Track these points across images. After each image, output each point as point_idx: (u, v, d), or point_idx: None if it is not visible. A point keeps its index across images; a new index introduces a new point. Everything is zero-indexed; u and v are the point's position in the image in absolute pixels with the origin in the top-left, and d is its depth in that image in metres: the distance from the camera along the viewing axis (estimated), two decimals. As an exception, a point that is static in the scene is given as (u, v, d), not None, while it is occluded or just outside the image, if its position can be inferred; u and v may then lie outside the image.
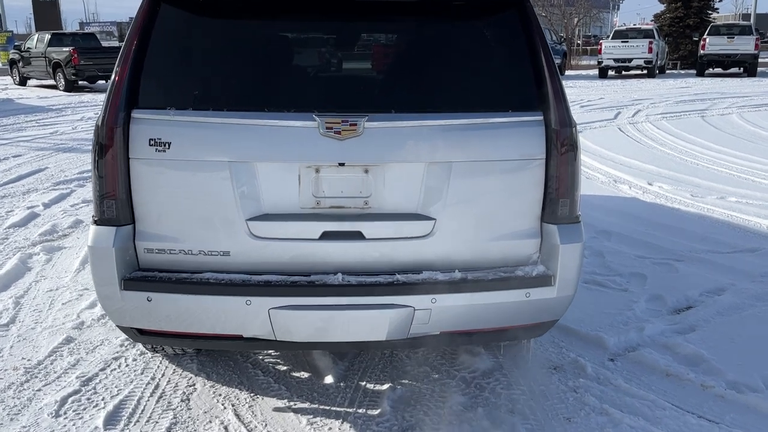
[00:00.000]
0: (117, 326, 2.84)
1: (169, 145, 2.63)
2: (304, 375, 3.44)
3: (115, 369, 3.51)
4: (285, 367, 3.51)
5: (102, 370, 3.50)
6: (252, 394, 3.26)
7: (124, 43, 2.72)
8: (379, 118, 2.65)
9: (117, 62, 2.68)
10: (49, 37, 22.50)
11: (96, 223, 2.69)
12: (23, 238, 5.78)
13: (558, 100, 2.71)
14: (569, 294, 2.81)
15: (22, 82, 23.93)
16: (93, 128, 2.71)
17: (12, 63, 24.55)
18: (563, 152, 2.72)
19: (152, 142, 2.63)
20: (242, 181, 2.66)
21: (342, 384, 3.34)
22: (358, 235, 2.71)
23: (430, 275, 2.68)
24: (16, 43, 27.10)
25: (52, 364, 3.58)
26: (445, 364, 3.53)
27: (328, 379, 3.38)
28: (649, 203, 7.01)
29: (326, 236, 2.70)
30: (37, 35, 23.88)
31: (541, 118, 2.75)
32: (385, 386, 3.31)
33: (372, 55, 3.50)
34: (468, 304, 2.68)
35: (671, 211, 6.66)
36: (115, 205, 2.64)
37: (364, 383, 3.34)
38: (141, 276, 2.68)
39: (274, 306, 2.60)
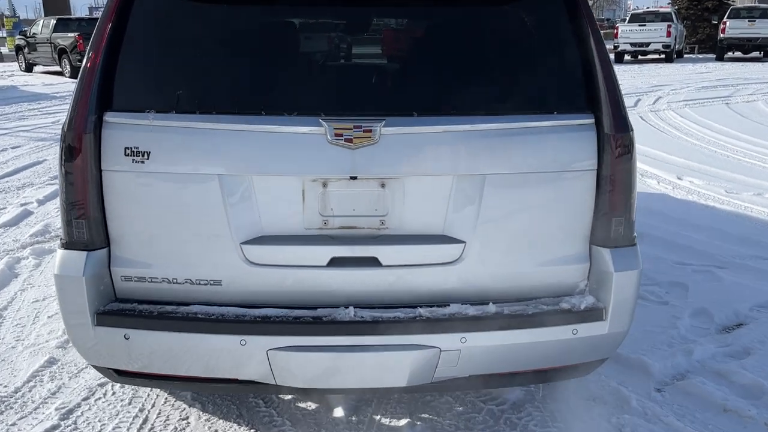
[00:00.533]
0: (91, 365, 2.45)
1: (148, 155, 2.23)
2: (311, 406, 3.05)
3: (99, 398, 3.13)
4: (289, 397, 3.12)
5: (85, 399, 3.12)
6: (252, 430, 2.87)
7: (95, 30, 2.30)
8: (399, 122, 2.24)
9: (86, 54, 2.27)
10: (55, 22, 22.08)
11: (64, 246, 2.29)
12: (12, 240, 5.42)
13: (613, 100, 2.28)
14: (623, 330, 2.39)
15: (28, 68, 23.57)
16: None
17: (18, 49, 24.18)
18: (618, 161, 2.29)
19: (128, 152, 2.23)
20: (235, 197, 2.25)
21: (354, 418, 2.94)
22: (372, 262, 2.30)
23: (460, 309, 2.27)
24: (22, 29, 26.67)
25: (30, 391, 3.20)
26: (470, 394, 3.12)
27: (338, 412, 2.98)
28: (681, 200, 6.55)
29: (335, 263, 2.29)
30: (42, 20, 23.49)
31: (593, 121, 2.32)
32: (403, 422, 2.92)
33: (389, 46, 3.02)
34: (504, 343, 2.27)
35: (706, 210, 6.20)
36: (86, 225, 2.24)
37: (378, 417, 2.95)
38: (117, 309, 2.29)
39: (273, 346, 2.21)
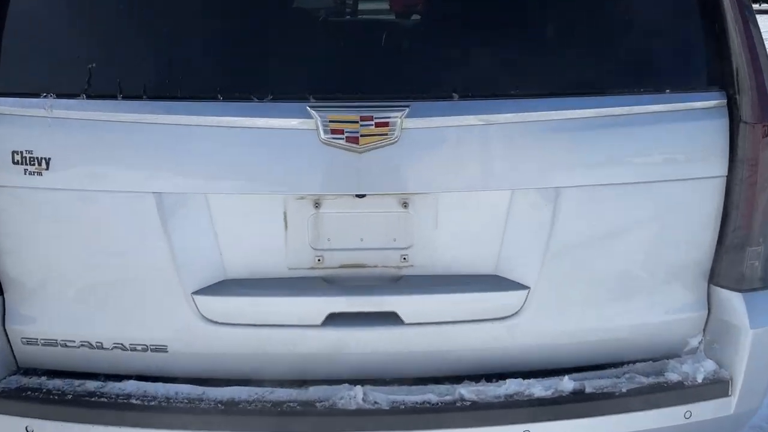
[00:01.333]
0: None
1: (47, 163, 1.54)
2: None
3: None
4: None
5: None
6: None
7: None
8: (430, 110, 1.53)
9: None
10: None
11: None
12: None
13: (756, 71, 1.57)
14: (753, 408, 1.70)
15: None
16: None
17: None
18: (763, 164, 1.55)
19: (18, 158, 1.55)
20: (182, 226, 1.56)
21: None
22: (390, 318, 1.61)
23: (521, 388, 1.57)
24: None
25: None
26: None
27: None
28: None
29: (334, 320, 1.61)
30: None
31: (724, 102, 1.60)
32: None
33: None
34: None
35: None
36: None
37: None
38: (15, 389, 1.60)
39: None
